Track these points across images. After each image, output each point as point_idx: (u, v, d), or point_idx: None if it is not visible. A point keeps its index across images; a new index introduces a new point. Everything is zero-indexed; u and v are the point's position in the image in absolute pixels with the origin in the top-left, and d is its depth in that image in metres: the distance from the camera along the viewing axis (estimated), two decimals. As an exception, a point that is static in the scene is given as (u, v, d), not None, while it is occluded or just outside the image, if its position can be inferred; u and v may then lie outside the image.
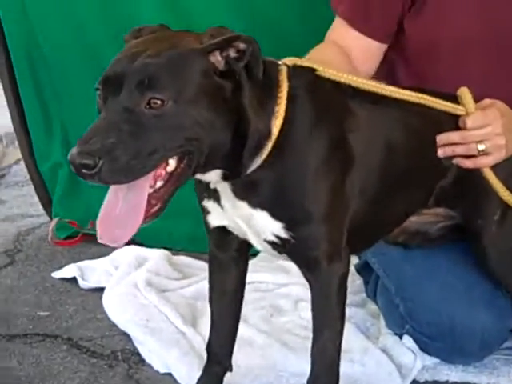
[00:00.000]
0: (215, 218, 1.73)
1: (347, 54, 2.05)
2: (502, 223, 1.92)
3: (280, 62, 1.65)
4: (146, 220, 1.46)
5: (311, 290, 1.71)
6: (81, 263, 2.73)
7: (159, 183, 1.48)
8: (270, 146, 1.58)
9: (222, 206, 1.69)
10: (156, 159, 1.43)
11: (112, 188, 1.48)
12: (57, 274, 2.70)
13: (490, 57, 2.03)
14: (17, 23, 2.98)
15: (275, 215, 1.63)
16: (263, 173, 1.60)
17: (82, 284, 2.61)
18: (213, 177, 1.59)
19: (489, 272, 1.99)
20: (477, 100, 1.87)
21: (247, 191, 1.62)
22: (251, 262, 1.88)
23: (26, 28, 2.97)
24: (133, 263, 2.65)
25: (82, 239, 3.00)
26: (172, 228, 2.92)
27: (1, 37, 3.01)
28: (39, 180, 3.19)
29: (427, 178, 1.90)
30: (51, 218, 3.12)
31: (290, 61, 1.67)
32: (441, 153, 1.86)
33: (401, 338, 2.15)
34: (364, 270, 2.36)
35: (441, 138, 1.85)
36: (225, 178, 1.60)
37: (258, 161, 1.58)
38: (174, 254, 2.78)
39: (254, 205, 1.63)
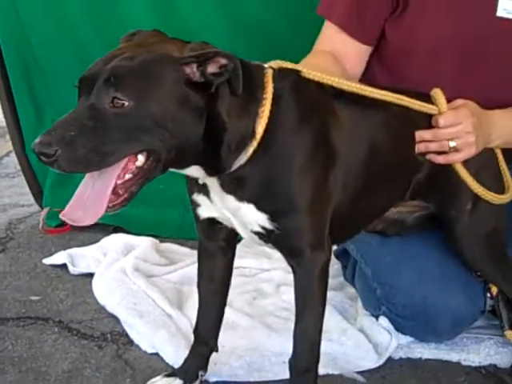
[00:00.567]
0: (205, 210, 1.75)
1: (339, 60, 2.07)
2: (474, 213, 1.95)
3: (266, 66, 1.66)
4: (113, 208, 1.50)
5: (294, 276, 1.73)
6: (71, 250, 2.73)
7: (128, 176, 1.51)
8: (255, 144, 1.60)
9: (211, 200, 1.71)
10: (116, 155, 1.46)
11: (86, 176, 1.52)
12: (48, 261, 2.70)
13: (462, 61, 2.05)
14: (9, 23, 2.95)
15: (261, 207, 1.65)
16: (249, 169, 1.62)
17: (72, 270, 2.61)
18: (195, 172, 1.62)
19: (462, 258, 2.02)
20: (450, 100, 1.90)
21: (234, 186, 1.64)
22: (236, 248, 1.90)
23: (18, 27, 2.94)
24: (121, 250, 2.65)
25: (72, 227, 2.98)
26: (159, 217, 2.94)
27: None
28: (30, 171, 3.17)
29: (404, 173, 1.93)
30: (42, 208, 3.11)
31: (276, 64, 1.68)
32: (415, 149, 1.89)
33: (377, 318, 2.17)
34: (342, 255, 2.37)
35: (415, 136, 1.89)
36: (209, 173, 1.62)
37: (244, 158, 1.60)
38: (160, 242, 2.78)
39: (241, 198, 1.65)
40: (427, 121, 1.89)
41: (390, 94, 1.80)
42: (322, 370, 1.79)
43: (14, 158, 3.45)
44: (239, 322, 2.20)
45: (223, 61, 1.50)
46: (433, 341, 2.12)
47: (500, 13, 2.02)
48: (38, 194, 3.18)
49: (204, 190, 1.71)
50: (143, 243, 2.70)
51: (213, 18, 2.80)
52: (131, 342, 2.16)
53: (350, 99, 1.77)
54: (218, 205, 1.70)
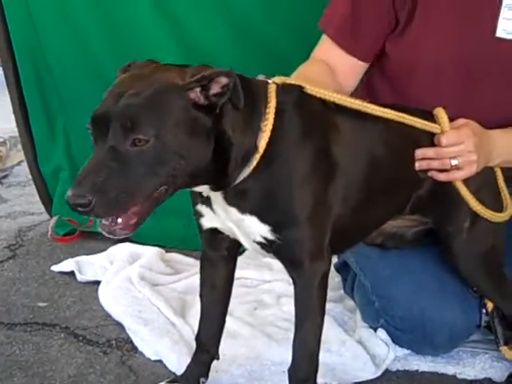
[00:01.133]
0: (208, 221, 1.76)
1: (333, 70, 2.08)
2: (471, 230, 1.95)
3: (270, 81, 1.67)
4: (124, 232, 1.50)
5: (294, 286, 1.73)
6: (78, 258, 2.74)
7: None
8: (258, 157, 1.60)
9: (213, 211, 1.72)
10: (144, 191, 1.47)
11: None
12: (56, 268, 2.71)
13: (462, 80, 2.05)
14: (23, 33, 2.97)
15: (263, 219, 1.66)
16: (252, 182, 1.62)
17: (80, 277, 2.62)
18: (201, 189, 1.63)
19: (458, 274, 2.02)
20: (452, 119, 1.90)
21: (237, 198, 1.65)
22: (238, 259, 1.90)
23: (32, 38, 2.97)
24: (127, 259, 2.66)
25: (80, 236, 3.01)
26: (165, 227, 2.95)
27: (8, 47, 3.01)
28: (41, 181, 3.19)
29: (405, 188, 1.93)
30: (51, 216, 3.13)
31: (280, 79, 1.69)
32: (417, 166, 1.90)
33: (375, 331, 2.16)
34: (342, 268, 2.38)
35: (417, 153, 1.89)
36: (213, 189, 1.63)
37: (246, 172, 1.61)
38: (166, 251, 2.79)
39: (244, 210, 1.66)
40: (430, 138, 1.89)
41: (392, 111, 1.81)
42: (320, 380, 1.78)
43: (25, 167, 3.47)
44: (240, 332, 2.20)
45: (224, 80, 1.50)
46: (429, 354, 2.12)
47: (499, 33, 2.03)
48: (47, 203, 3.19)
49: (207, 201, 1.71)
50: (149, 253, 2.71)
51: (220, 33, 2.81)
52: (135, 348, 2.17)
53: (351, 114, 1.77)
54: (222, 216, 1.71)
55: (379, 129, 1.82)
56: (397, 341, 2.12)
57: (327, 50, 2.11)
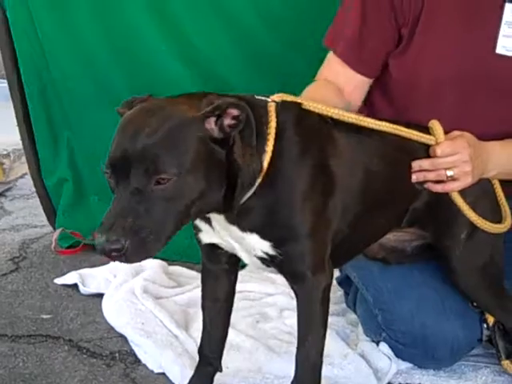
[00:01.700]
0: (206, 236, 1.77)
1: (340, 89, 2.09)
2: (469, 243, 1.96)
3: (269, 100, 1.68)
4: (129, 259, 1.47)
5: (297, 299, 1.73)
6: (82, 271, 2.74)
7: None
8: (260, 177, 1.61)
9: (212, 227, 1.72)
10: (170, 229, 1.48)
11: None
12: (59, 281, 2.71)
13: (462, 97, 2.07)
14: (29, 47, 2.98)
15: (264, 236, 1.66)
16: (253, 201, 1.63)
17: (83, 290, 2.62)
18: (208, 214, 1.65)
19: (458, 288, 2.03)
20: (447, 132, 1.91)
21: (238, 217, 1.65)
22: (241, 273, 1.91)
23: (37, 52, 2.98)
24: (130, 272, 2.65)
25: (83, 249, 3.00)
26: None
27: (13, 60, 3.02)
28: (44, 193, 3.19)
29: (402, 200, 1.94)
30: (54, 229, 3.13)
31: (278, 97, 1.70)
32: (413, 178, 1.90)
33: (377, 344, 2.17)
34: (344, 282, 2.38)
35: (413, 165, 1.90)
36: (218, 213, 1.64)
37: (250, 193, 1.62)
38: (169, 265, 2.79)
39: (244, 228, 1.67)
40: (425, 151, 1.90)
41: (387, 124, 1.83)
42: (323, 394, 1.79)
43: (29, 179, 3.47)
44: (243, 345, 2.20)
45: (235, 112, 1.51)
46: (431, 367, 2.13)
47: (499, 50, 2.04)
48: (51, 216, 3.19)
49: (205, 218, 1.71)
50: (152, 266, 2.70)
51: (226, 49, 2.83)
52: (139, 361, 2.17)
53: (348, 128, 1.79)
54: (221, 233, 1.71)
55: (376, 142, 1.84)
56: (399, 354, 2.12)
57: (335, 69, 2.13)
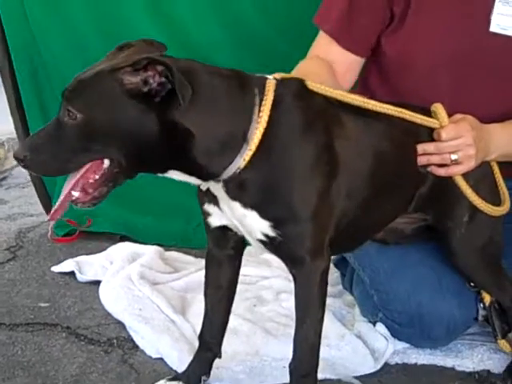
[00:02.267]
0: (216, 219, 1.75)
1: (331, 67, 2.08)
2: (470, 225, 1.96)
3: (270, 77, 1.67)
4: (83, 204, 1.61)
5: (295, 283, 1.73)
6: (78, 258, 2.74)
7: (97, 176, 1.58)
8: (253, 147, 1.59)
9: (220, 209, 1.72)
10: (74, 163, 1.57)
11: None
12: (56, 269, 2.70)
13: (457, 75, 2.05)
14: (19, 33, 2.97)
15: (264, 215, 1.65)
16: (249, 173, 1.61)
17: (80, 277, 2.62)
18: (181, 177, 1.63)
19: (457, 268, 2.02)
20: (449, 115, 1.90)
21: (238, 191, 1.64)
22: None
23: (28, 38, 2.97)
24: (127, 258, 2.65)
25: (80, 236, 3.01)
26: (164, 226, 2.95)
27: (4, 47, 3.01)
28: (40, 182, 3.18)
29: (409, 185, 1.92)
30: (50, 217, 3.13)
31: (279, 75, 1.69)
32: (418, 162, 1.89)
33: (374, 325, 2.17)
34: (341, 263, 2.38)
35: (418, 149, 1.89)
36: (200, 178, 1.63)
37: (240, 162, 1.60)
38: (165, 250, 2.79)
39: (245, 204, 1.65)
40: (428, 134, 1.89)
41: (392, 107, 1.81)
42: (320, 375, 1.79)
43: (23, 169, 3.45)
44: (240, 328, 2.20)
45: (159, 68, 1.51)
46: (428, 347, 2.13)
47: (493, 28, 2.03)
48: (47, 204, 3.18)
49: (214, 199, 1.71)
50: (149, 252, 2.71)
51: (215, 32, 2.82)
52: (136, 347, 2.17)
53: (354, 110, 1.77)
54: (228, 214, 1.71)
55: (383, 125, 1.82)
56: (395, 334, 2.12)
57: (325, 47, 2.12)
